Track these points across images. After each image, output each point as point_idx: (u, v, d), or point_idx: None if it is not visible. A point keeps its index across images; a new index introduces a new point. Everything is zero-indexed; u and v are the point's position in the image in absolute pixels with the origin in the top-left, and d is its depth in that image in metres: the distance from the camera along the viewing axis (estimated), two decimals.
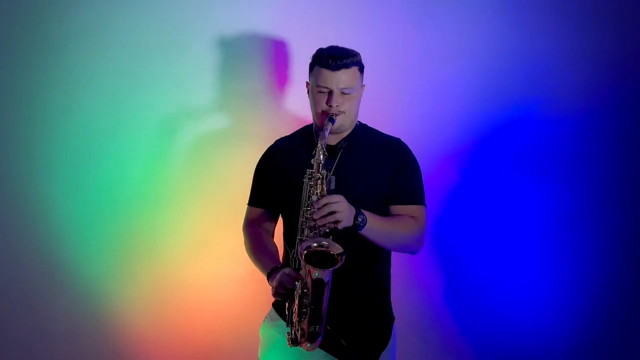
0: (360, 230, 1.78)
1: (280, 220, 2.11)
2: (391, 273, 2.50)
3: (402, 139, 2.04)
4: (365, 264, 1.93)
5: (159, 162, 2.55)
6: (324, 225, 1.73)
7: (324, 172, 1.79)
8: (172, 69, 2.51)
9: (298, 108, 2.52)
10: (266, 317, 2.06)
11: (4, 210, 2.52)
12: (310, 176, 1.81)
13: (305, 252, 1.71)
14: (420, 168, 2.01)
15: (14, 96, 2.48)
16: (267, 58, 2.54)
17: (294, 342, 1.80)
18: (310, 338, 1.76)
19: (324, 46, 1.96)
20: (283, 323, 1.93)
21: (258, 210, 2.09)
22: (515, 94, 2.55)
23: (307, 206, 1.81)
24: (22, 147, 2.50)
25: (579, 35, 2.52)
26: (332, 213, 1.71)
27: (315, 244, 1.73)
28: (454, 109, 2.56)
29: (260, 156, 2.09)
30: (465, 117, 2.56)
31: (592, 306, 2.62)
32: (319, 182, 1.78)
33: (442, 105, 2.56)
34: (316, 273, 1.69)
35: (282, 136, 2.12)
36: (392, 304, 2.08)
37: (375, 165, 1.94)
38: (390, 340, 1.98)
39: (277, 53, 2.52)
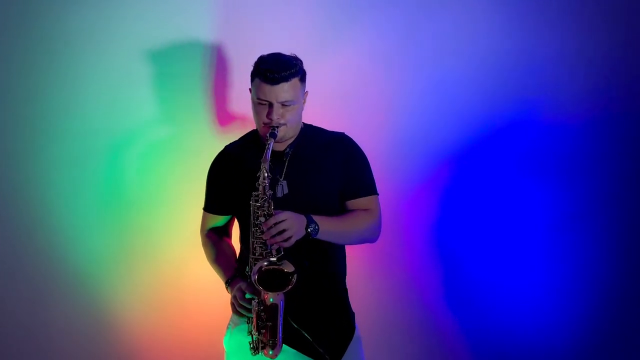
0: (314, 237, 1.82)
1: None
2: (384, 274, 2.50)
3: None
4: (322, 262, 1.95)
5: (158, 162, 2.54)
6: (275, 243, 1.77)
7: (269, 192, 1.81)
8: (170, 68, 2.50)
9: None
10: (229, 325, 2.05)
11: (2, 210, 2.51)
12: (256, 198, 1.83)
13: (257, 275, 1.77)
14: (368, 158, 2.03)
15: (13, 96, 2.47)
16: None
17: (256, 350, 1.86)
18: (272, 346, 1.82)
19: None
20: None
21: (213, 217, 2.09)
22: (516, 94, 2.51)
23: (255, 227, 1.84)
24: (21, 147, 2.49)
25: (580, 36, 2.48)
26: (281, 232, 1.75)
27: (266, 264, 1.78)
28: (454, 110, 2.53)
29: (212, 161, 2.09)
30: (466, 118, 2.53)
31: (593, 307, 2.60)
32: (266, 202, 1.81)
33: (443, 106, 2.53)
34: (271, 299, 1.77)
35: (231, 141, 2.11)
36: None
37: (323, 164, 1.96)
38: (355, 334, 2.01)
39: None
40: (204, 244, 2.13)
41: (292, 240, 1.76)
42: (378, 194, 2.03)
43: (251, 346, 1.86)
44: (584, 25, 2.48)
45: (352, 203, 1.98)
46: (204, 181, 2.49)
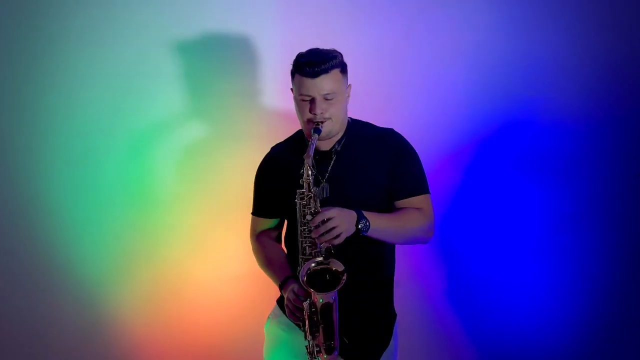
0: (364, 234, 1.77)
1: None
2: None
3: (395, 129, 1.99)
4: (369, 262, 1.91)
5: (159, 162, 2.54)
6: (324, 242, 1.74)
7: (315, 189, 1.78)
8: (170, 69, 2.51)
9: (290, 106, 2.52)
10: (270, 314, 2.06)
11: (3, 210, 2.51)
12: (302, 196, 1.80)
13: (306, 276, 1.73)
14: (418, 155, 1.98)
15: (14, 96, 2.47)
16: (260, 58, 2.53)
17: (312, 354, 1.81)
18: (327, 350, 1.78)
19: (315, 46, 1.92)
20: (287, 320, 1.93)
21: (263, 220, 2.07)
22: (516, 94, 2.54)
23: (303, 226, 1.81)
24: (22, 147, 2.50)
25: (580, 36, 2.50)
26: (330, 229, 1.70)
27: (313, 265, 1.75)
28: (454, 110, 2.56)
29: (259, 164, 2.07)
30: (466, 118, 2.56)
31: (592, 305, 2.62)
32: (311, 200, 1.77)
33: (443, 105, 2.56)
34: (320, 299, 1.72)
35: (278, 142, 2.09)
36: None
37: (370, 164, 1.90)
38: (392, 339, 1.97)
39: (274, 52, 2.52)
40: (255, 249, 2.09)
41: (342, 237, 1.72)
42: (429, 193, 1.96)
43: (307, 351, 1.82)
44: (584, 26, 2.50)
45: (402, 203, 1.90)
46: (207, 181, 2.51)
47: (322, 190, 1.88)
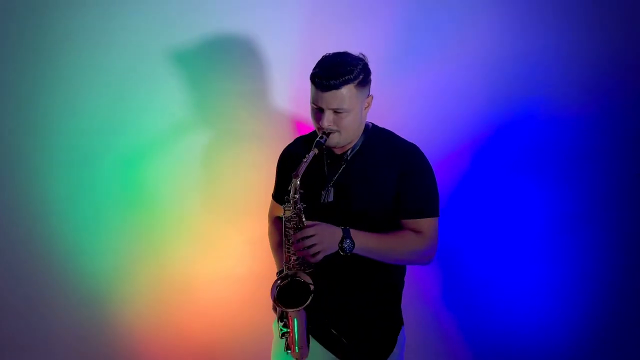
0: (347, 253, 1.76)
1: None
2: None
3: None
4: (377, 269, 1.90)
5: (163, 162, 2.55)
6: (303, 256, 1.75)
7: (300, 206, 1.77)
8: (173, 69, 2.51)
9: (295, 107, 2.52)
10: None
11: (6, 210, 2.52)
12: (287, 209, 1.80)
13: (277, 291, 1.77)
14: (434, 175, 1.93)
15: (17, 96, 2.48)
16: (266, 58, 2.54)
17: (286, 348, 1.88)
18: (297, 348, 1.85)
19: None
20: None
21: (279, 206, 2.06)
22: (515, 94, 2.52)
23: (286, 238, 1.82)
24: (25, 147, 2.51)
25: (579, 35, 2.48)
26: (309, 247, 1.71)
27: (279, 282, 1.78)
28: (454, 110, 2.55)
29: (280, 152, 2.09)
30: (466, 117, 2.55)
31: (592, 306, 2.61)
32: (295, 216, 1.78)
33: (443, 106, 2.55)
34: (295, 319, 1.79)
35: (301, 135, 2.10)
36: None
37: (378, 175, 1.87)
38: (397, 346, 1.96)
39: (275, 53, 2.53)
40: (269, 231, 2.14)
41: (320, 256, 1.72)
42: (437, 216, 1.89)
43: (285, 344, 1.89)
44: (584, 25, 2.48)
45: (405, 223, 1.87)
46: (210, 181, 2.50)
47: (327, 193, 1.88)
